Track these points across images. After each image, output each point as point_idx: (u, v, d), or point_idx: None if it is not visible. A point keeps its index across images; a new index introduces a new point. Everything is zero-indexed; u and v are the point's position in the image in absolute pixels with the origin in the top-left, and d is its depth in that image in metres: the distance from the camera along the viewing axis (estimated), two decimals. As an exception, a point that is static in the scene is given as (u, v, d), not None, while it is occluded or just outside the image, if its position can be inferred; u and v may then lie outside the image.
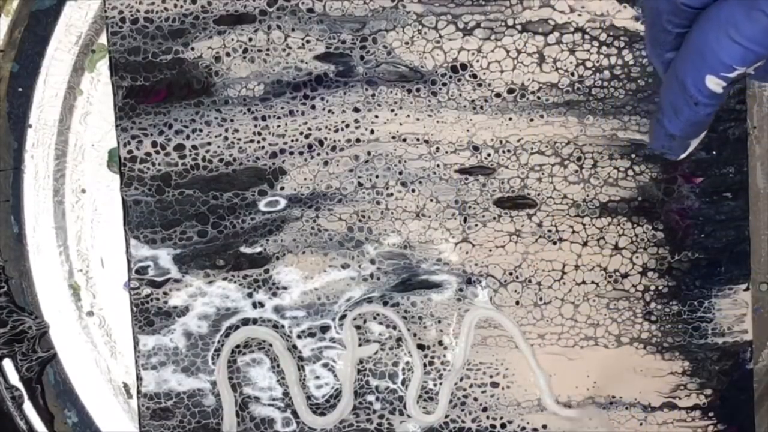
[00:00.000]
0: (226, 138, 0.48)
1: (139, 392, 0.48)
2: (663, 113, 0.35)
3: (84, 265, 0.50)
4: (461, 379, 0.48)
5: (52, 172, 0.50)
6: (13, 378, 0.50)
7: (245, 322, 0.48)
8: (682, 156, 0.37)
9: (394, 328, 0.48)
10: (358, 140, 0.48)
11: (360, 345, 0.48)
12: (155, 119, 0.48)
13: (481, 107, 0.48)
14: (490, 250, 0.48)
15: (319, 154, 0.48)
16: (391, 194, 0.48)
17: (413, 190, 0.48)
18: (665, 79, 0.35)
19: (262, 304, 0.48)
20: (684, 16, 0.33)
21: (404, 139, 0.48)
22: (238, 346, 0.48)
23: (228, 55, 0.48)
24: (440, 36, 0.47)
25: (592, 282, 0.48)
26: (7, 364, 0.50)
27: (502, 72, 0.48)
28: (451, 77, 0.48)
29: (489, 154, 0.48)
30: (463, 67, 0.48)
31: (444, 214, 0.48)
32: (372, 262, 0.48)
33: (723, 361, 0.48)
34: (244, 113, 0.48)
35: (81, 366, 0.50)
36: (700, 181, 0.48)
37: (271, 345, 0.48)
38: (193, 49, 0.48)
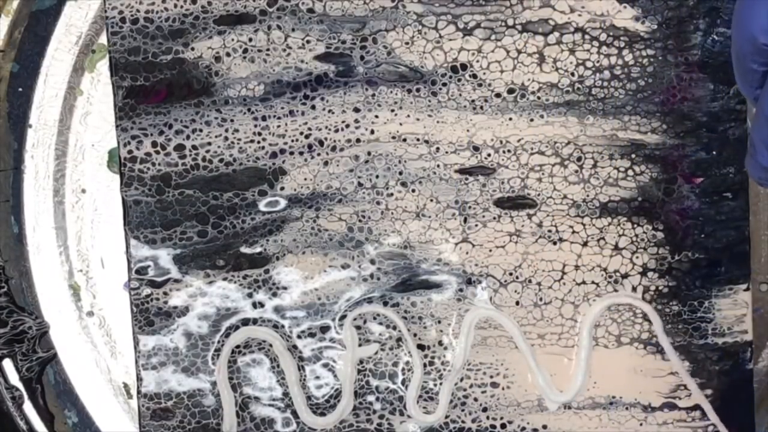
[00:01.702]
0: (226, 138, 0.48)
1: (139, 392, 0.48)
2: (755, 149, 0.36)
3: (84, 265, 0.50)
4: (461, 379, 0.48)
5: (52, 172, 0.50)
6: (13, 378, 0.50)
7: (245, 322, 0.48)
8: None
9: (394, 328, 0.48)
10: (358, 140, 0.48)
11: (360, 345, 0.48)
12: (155, 119, 0.48)
13: (481, 107, 0.48)
14: (490, 250, 0.48)
15: (319, 154, 0.48)
16: (391, 194, 0.48)
17: (413, 190, 0.48)
18: (755, 115, 0.36)
19: (262, 304, 0.48)
20: (767, 55, 0.34)
21: (404, 139, 0.48)
22: (238, 346, 0.48)
23: (228, 55, 0.48)
24: (440, 36, 0.47)
25: (592, 282, 0.48)
26: (7, 364, 0.50)
27: (502, 72, 0.48)
28: (451, 77, 0.48)
29: (489, 154, 0.48)
30: (463, 67, 0.48)
31: (444, 214, 0.48)
32: (372, 262, 0.48)
33: (723, 361, 0.48)
34: (244, 113, 0.48)
35: (81, 366, 0.50)
36: (700, 181, 0.48)
37: (271, 345, 0.48)
38: (193, 49, 0.48)
